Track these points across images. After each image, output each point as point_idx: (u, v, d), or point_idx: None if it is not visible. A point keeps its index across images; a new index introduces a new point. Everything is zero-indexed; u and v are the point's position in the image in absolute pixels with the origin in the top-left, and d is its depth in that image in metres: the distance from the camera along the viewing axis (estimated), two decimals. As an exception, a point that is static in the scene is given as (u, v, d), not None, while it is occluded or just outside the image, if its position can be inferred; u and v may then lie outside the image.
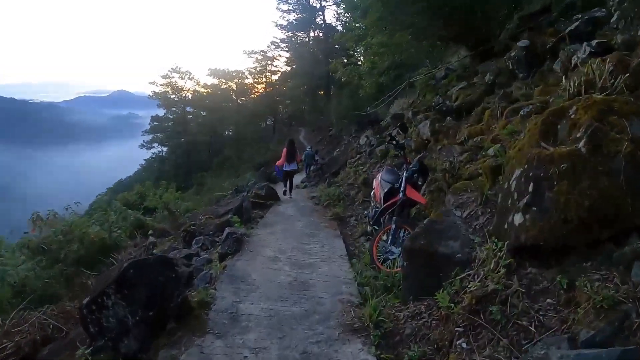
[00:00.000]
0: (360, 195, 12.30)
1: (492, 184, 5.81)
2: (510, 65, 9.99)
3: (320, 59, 56.46)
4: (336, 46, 53.23)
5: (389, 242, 6.64)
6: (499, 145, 6.59)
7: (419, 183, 7.27)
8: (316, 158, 26.27)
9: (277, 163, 16.64)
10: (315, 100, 60.31)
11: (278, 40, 66.71)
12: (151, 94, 66.23)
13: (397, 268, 6.03)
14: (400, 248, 6.19)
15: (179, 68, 65.58)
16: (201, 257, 7.79)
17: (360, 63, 18.55)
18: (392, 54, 17.59)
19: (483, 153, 7.20)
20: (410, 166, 7.27)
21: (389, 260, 6.43)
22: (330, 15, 60.72)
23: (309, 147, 33.14)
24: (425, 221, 5.50)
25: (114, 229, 11.88)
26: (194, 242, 9.24)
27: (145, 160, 72.81)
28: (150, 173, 65.78)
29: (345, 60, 31.49)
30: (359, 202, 11.98)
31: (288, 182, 16.07)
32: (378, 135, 16.36)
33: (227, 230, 8.56)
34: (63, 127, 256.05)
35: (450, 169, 7.50)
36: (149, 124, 68.35)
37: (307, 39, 64.77)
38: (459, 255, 4.55)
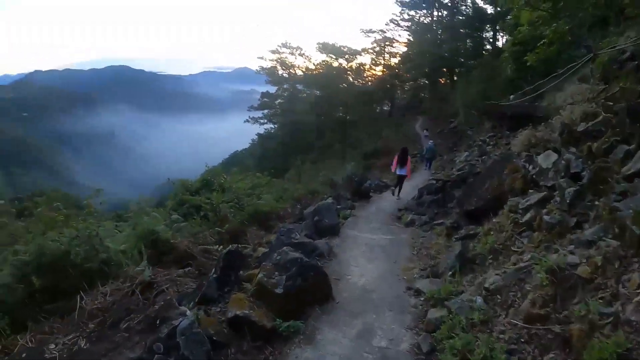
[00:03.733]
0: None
1: None
2: None
3: (443, 39, 50.63)
4: (461, 30, 48.64)
5: None
6: None
7: None
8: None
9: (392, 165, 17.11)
10: (435, 86, 54.88)
11: (398, 19, 58.92)
12: (258, 69, 61.19)
13: None
14: None
15: (289, 43, 60.01)
16: None
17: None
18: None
19: None
20: None
21: None
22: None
23: (430, 141, 27.28)
24: None
25: (105, 246, 7.60)
26: None
27: (257, 135, 68.61)
28: (261, 149, 64.82)
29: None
30: None
31: (398, 185, 17.18)
32: (578, 152, 7.04)
33: None
34: (187, 98, 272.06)
35: None
36: (258, 100, 63.59)
37: (430, 19, 57.06)
38: None
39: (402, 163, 16.45)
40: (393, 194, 17.17)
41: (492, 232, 7.49)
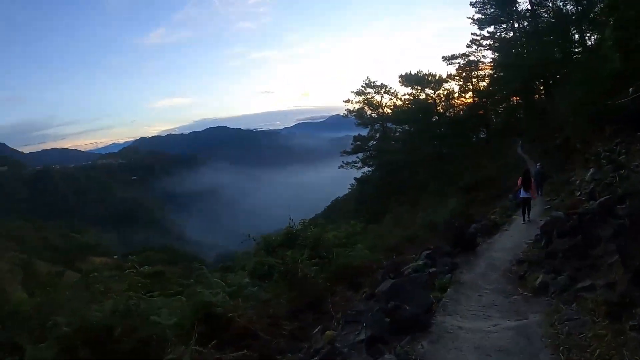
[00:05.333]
0: None
1: None
2: None
3: (529, 50, 47.58)
4: (545, 38, 45.57)
5: None
6: None
7: None
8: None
9: (515, 189, 18.24)
10: (530, 102, 50.88)
11: (479, 38, 55.67)
12: (345, 113, 60.90)
13: None
14: None
15: (374, 82, 58.65)
16: None
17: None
18: None
19: None
20: None
21: None
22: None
23: (538, 164, 24.83)
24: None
25: (149, 321, 6.45)
26: None
27: (355, 179, 66.89)
28: (358, 193, 64.17)
29: None
30: None
31: (525, 208, 16.80)
32: None
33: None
34: (284, 151, 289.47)
35: None
36: (351, 144, 62.49)
37: (512, 33, 53.99)
38: None
39: (525, 186, 16.45)
40: (523, 221, 16.58)
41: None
